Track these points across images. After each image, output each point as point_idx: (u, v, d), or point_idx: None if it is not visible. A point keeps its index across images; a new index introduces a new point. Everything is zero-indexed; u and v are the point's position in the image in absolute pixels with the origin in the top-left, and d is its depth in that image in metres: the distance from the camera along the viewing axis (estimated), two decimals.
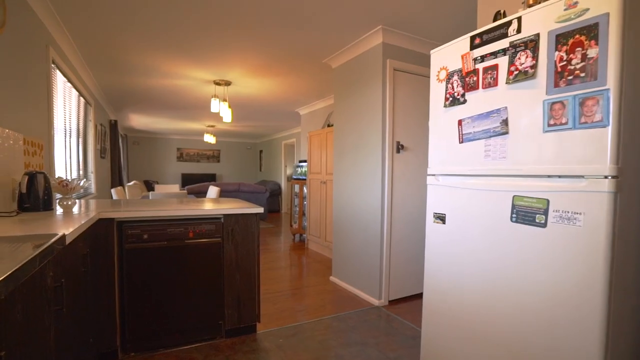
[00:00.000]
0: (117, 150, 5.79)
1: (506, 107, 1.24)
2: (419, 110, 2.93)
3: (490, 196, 1.30)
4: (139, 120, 7.37)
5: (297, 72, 3.86)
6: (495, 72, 1.27)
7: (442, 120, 1.50)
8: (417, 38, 2.86)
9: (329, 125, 5.26)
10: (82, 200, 2.60)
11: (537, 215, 1.15)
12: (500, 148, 1.26)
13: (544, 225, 1.13)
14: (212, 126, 8.06)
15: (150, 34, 2.81)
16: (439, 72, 1.52)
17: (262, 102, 5.41)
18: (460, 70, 1.41)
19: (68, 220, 1.46)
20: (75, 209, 1.94)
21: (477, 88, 1.34)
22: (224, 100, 4.32)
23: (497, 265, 1.28)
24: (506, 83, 1.23)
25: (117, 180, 5.71)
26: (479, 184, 1.34)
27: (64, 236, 1.12)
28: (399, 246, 2.87)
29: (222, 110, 4.26)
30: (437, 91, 1.53)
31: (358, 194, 3.05)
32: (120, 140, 7.28)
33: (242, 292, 2.18)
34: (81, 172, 3.92)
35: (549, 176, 1.13)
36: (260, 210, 2.22)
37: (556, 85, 1.09)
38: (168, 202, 2.54)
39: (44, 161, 2.42)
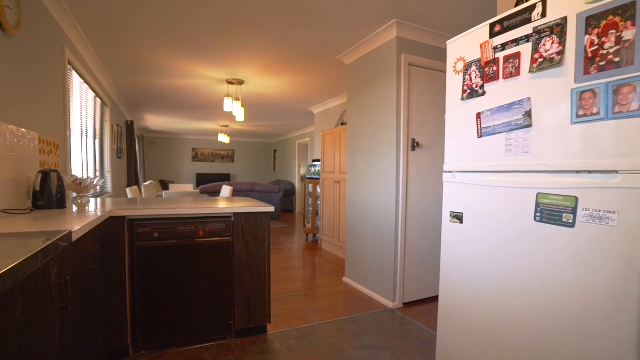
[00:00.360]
0: (133, 150, 5.89)
1: (529, 98, 1.15)
2: (435, 106, 2.84)
3: (512, 194, 1.21)
4: (154, 121, 7.49)
5: (310, 69, 3.81)
6: (518, 60, 1.18)
7: (459, 114, 1.42)
8: (433, 31, 2.77)
9: (342, 124, 5.20)
10: (98, 199, 2.63)
11: (565, 214, 1.06)
12: (522, 142, 1.17)
13: (572, 225, 1.04)
14: (226, 126, 8.12)
15: (162, 33, 2.83)
16: (455, 63, 1.44)
17: (275, 101, 5.39)
18: (479, 61, 1.33)
19: (79, 218, 1.46)
20: (90, 207, 1.95)
21: (498, 79, 1.26)
22: (237, 99, 4.32)
23: (519, 267, 1.20)
24: (529, 72, 1.15)
25: (133, 179, 5.81)
26: (499, 181, 1.26)
27: (70, 233, 1.11)
28: (414, 247, 2.78)
29: (235, 109, 4.26)
30: (453, 83, 1.46)
31: (372, 192, 2.98)
32: (137, 141, 7.42)
33: (253, 292, 2.15)
34: (98, 172, 3.99)
35: (577, 172, 1.04)
36: (271, 209, 2.18)
37: (586, 72, 1.00)
38: (179, 200, 2.54)
39: (60, 160, 2.46)
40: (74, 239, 1.16)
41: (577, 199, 1.04)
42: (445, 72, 2.82)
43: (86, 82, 3.32)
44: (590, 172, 1.02)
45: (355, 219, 3.21)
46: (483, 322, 1.33)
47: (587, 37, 1.00)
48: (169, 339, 1.99)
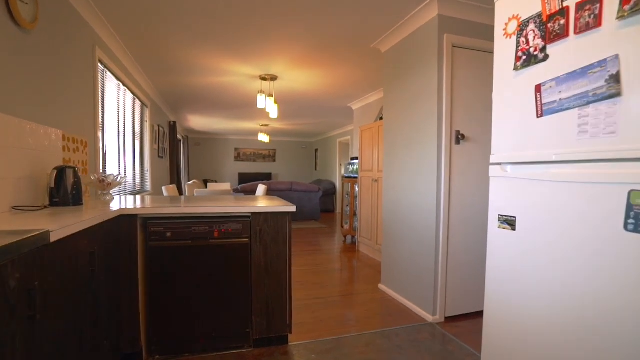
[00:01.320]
0: (175, 150, 6.07)
1: (617, 56, 0.82)
2: (484, 92, 2.45)
3: (589, 192, 0.88)
4: (196, 122, 7.71)
5: (345, 60, 3.57)
6: (598, 5, 0.85)
7: (510, 89, 1.10)
8: (480, 5, 2.39)
9: (381, 119, 4.88)
10: (137, 197, 2.63)
11: None
12: (605, 119, 0.84)
13: None
14: (266, 125, 8.13)
15: (191, 26, 2.76)
16: (507, 24, 1.12)
17: (311, 97, 5.22)
18: (539, 15, 1.00)
19: (82, 216, 1.37)
20: (112, 205, 1.89)
21: (567, 35, 0.93)
22: (270, 95, 4.21)
23: (599, 292, 0.86)
24: (617, 19, 0.81)
25: (175, 178, 5.98)
26: (568, 174, 0.93)
27: (46, 233, 1.00)
28: (459, 254, 2.42)
29: (268, 105, 4.15)
30: (504, 50, 1.14)
31: (410, 192, 2.66)
32: (181, 141, 7.69)
33: (272, 299, 1.96)
34: (138, 171, 4.10)
35: None
36: (292, 209, 1.98)
37: None
38: (196, 199, 2.44)
39: (89, 158, 2.48)
40: (55, 239, 1.05)
41: None
42: (492, 52, 2.43)
43: (123, 82, 3.39)
44: None
45: (392, 220, 2.91)
46: (539, 353, 1.00)
47: None
48: (183, 344, 1.87)
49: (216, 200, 2.29)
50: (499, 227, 1.11)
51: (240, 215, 1.94)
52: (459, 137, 2.39)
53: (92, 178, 2.21)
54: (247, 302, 1.93)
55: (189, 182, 6.55)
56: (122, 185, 3.47)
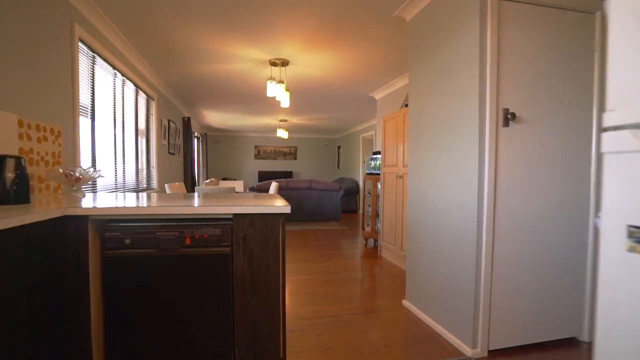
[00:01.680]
0: (189, 147, 5.80)
1: None
2: (544, 56, 1.89)
3: None
4: (213, 118, 7.43)
5: (363, 37, 3.08)
6: None
7: None
8: None
9: (406, 106, 4.34)
10: (135, 194, 2.29)
11: None
12: None
13: None
14: (285, 120, 7.75)
15: (189, 5, 2.38)
16: None
17: (328, 84, 4.76)
18: None
19: (18, 218, 0.99)
20: (81, 203, 1.53)
21: None
22: (281, 82, 3.79)
23: None
24: None
25: (189, 176, 5.71)
26: None
27: None
28: (507, 269, 1.87)
29: (279, 93, 3.73)
30: None
31: (442, 189, 2.14)
32: (200, 138, 7.45)
33: (260, 324, 1.53)
34: (142, 166, 3.81)
35: None
36: (286, 210, 1.53)
37: None
38: (168, 196, 2.05)
39: (64, 149, 2.16)
40: None
41: None
42: (559, 7, 1.86)
43: (120, 71, 3.09)
44: None
45: (419, 224, 2.39)
46: None
47: None
48: None
49: (190, 198, 1.88)
50: (630, 248, 0.58)
51: (220, 218, 1.52)
52: (508, 118, 1.84)
53: (60, 171, 1.88)
54: (228, 330, 1.51)
55: (207, 181, 6.31)
56: (120, 182, 3.17)
